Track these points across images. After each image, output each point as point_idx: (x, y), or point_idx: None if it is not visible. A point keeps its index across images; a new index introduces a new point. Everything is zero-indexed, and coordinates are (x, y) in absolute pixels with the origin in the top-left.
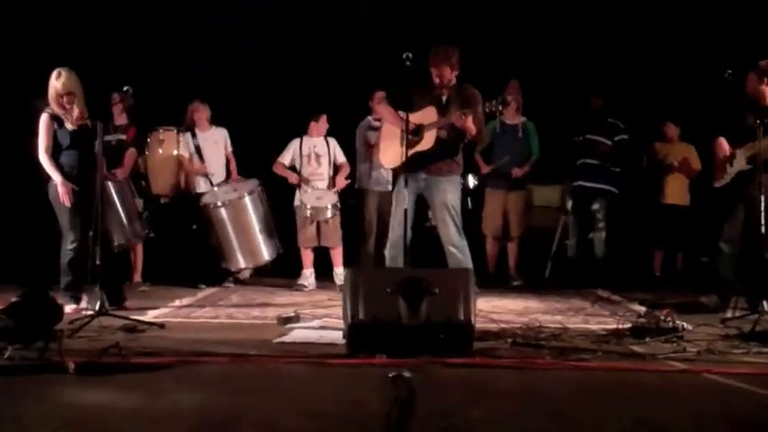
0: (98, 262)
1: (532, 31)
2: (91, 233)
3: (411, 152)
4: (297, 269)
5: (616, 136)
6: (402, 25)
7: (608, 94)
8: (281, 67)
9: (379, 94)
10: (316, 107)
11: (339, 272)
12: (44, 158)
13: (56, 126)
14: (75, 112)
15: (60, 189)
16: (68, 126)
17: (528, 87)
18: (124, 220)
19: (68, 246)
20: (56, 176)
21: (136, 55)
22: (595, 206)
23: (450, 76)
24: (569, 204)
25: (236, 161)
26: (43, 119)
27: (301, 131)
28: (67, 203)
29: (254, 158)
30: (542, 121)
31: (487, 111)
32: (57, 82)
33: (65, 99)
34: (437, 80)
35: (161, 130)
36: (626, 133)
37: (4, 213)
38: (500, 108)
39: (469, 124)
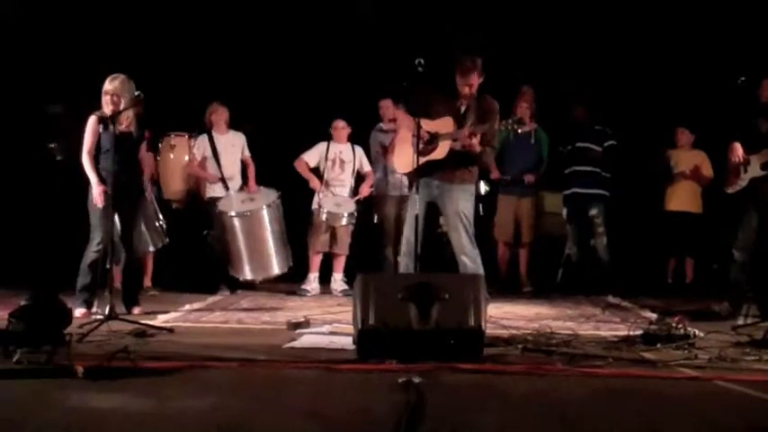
0: (107, 266)
1: (536, 34)
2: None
3: (424, 160)
4: (306, 274)
5: (605, 142)
6: (407, 29)
7: (620, 101)
8: (291, 73)
9: (385, 102)
10: (327, 112)
11: (338, 278)
12: (85, 159)
13: (101, 129)
14: (123, 116)
15: (94, 190)
16: (112, 130)
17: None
18: (147, 226)
19: (93, 247)
20: (92, 177)
21: (141, 58)
22: (593, 212)
23: (477, 83)
24: (564, 212)
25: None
26: (90, 120)
27: (315, 135)
28: (100, 205)
29: (262, 162)
30: (553, 129)
31: (502, 128)
32: (108, 84)
33: (108, 98)
34: (466, 89)
35: (172, 136)
36: (614, 139)
37: (16, 217)
38: (515, 127)
39: (474, 142)
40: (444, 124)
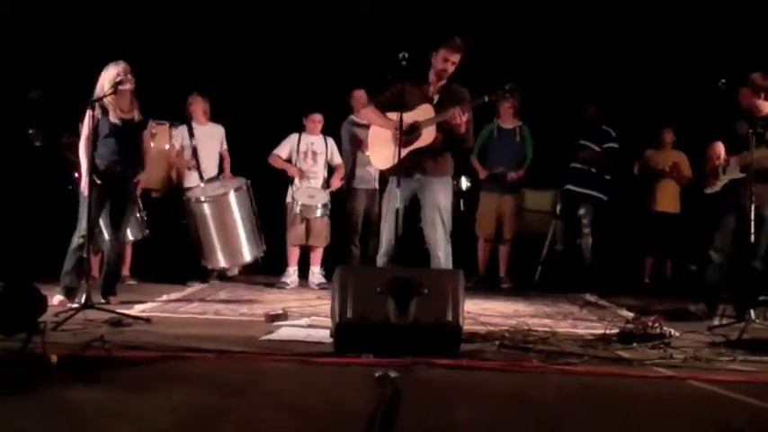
0: (85, 255)
1: (530, 37)
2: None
3: (408, 150)
4: (285, 267)
5: (605, 143)
6: (389, 25)
7: (602, 102)
8: (273, 65)
9: (358, 93)
10: (304, 106)
11: (316, 271)
12: (81, 146)
13: (99, 115)
14: (124, 102)
15: (82, 179)
16: (112, 116)
17: (524, 93)
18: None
19: (78, 234)
20: (83, 165)
21: (124, 45)
22: (581, 211)
23: (455, 66)
24: (558, 208)
25: (230, 159)
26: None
27: (291, 129)
28: (85, 192)
29: (245, 155)
30: (537, 127)
31: (494, 100)
32: (116, 67)
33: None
34: (449, 66)
35: (153, 124)
36: (616, 142)
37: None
38: (507, 95)
39: (464, 120)
40: (423, 112)
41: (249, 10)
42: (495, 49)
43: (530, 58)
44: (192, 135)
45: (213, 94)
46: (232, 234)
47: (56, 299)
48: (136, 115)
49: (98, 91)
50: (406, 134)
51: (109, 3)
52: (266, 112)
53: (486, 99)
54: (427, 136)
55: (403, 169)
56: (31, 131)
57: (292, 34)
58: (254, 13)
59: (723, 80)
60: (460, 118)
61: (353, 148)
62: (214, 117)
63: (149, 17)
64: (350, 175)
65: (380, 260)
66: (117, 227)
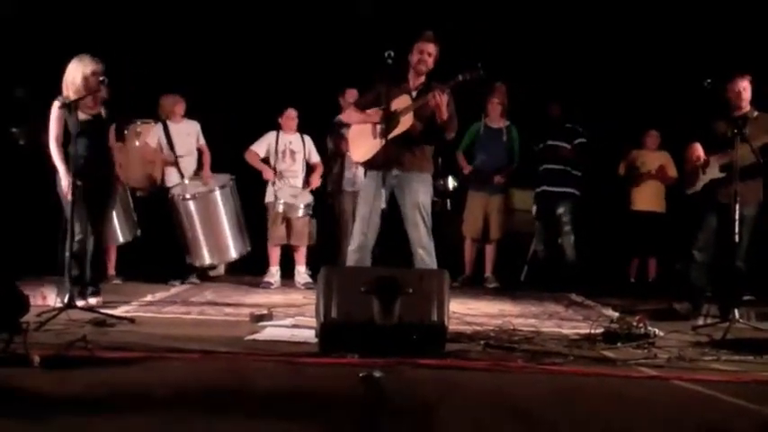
0: (67, 254)
1: (519, 36)
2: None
3: (387, 138)
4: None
5: (575, 140)
6: (376, 23)
7: (587, 101)
8: (256, 62)
9: (351, 92)
10: (287, 103)
11: (301, 270)
12: (53, 147)
13: (66, 114)
14: (92, 99)
15: (63, 182)
16: (80, 114)
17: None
18: (120, 217)
19: (76, 237)
20: (60, 168)
21: (103, 44)
22: (561, 210)
23: (433, 59)
24: (534, 210)
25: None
26: (54, 107)
27: (273, 126)
28: (69, 197)
29: (226, 152)
30: (528, 127)
31: (468, 78)
32: (98, 64)
33: (97, 79)
34: (425, 58)
35: (139, 123)
36: (584, 137)
37: None
38: (480, 73)
39: (444, 100)
40: (401, 101)
41: (233, 6)
42: (484, 48)
43: (519, 57)
44: (167, 134)
45: (194, 92)
46: (218, 231)
47: (93, 300)
48: (102, 111)
49: (69, 84)
50: (385, 122)
51: (90, 1)
52: (249, 110)
53: (461, 78)
54: (405, 123)
55: (382, 162)
56: (15, 130)
57: (279, 31)
58: (239, 9)
59: (709, 80)
60: (439, 97)
61: (341, 149)
62: (193, 114)
63: (130, 13)
64: (338, 177)
65: (353, 256)
66: (97, 225)
